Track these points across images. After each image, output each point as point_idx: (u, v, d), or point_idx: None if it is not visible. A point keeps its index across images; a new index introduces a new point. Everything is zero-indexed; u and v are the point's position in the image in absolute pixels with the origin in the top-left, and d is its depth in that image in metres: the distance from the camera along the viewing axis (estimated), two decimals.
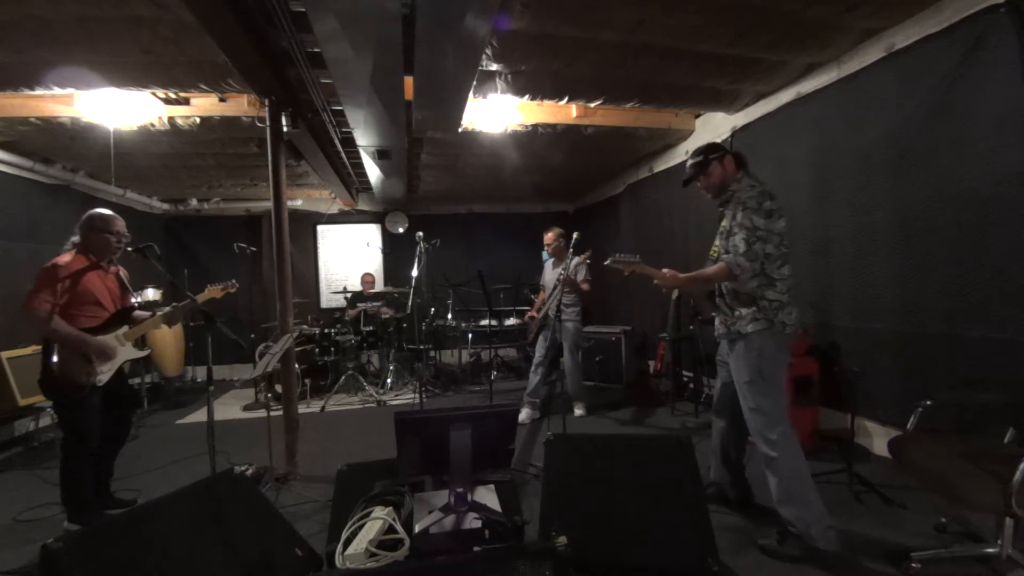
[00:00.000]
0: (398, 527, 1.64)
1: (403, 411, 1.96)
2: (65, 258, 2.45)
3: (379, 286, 6.92)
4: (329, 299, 7.15)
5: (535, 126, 4.32)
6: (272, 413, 3.13)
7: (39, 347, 2.43)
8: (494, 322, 4.65)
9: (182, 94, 3.60)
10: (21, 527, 2.63)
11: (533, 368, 4.30)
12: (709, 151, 2.29)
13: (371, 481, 1.88)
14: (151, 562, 1.49)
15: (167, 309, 2.73)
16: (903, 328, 2.90)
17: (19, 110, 3.60)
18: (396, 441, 1.81)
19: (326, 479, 2.88)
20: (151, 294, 5.33)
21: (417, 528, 1.67)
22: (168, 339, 5.70)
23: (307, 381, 5.26)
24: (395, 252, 7.46)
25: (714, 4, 2.63)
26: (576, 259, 4.02)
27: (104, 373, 2.49)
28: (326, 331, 5.41)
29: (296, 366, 3.90)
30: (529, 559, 1.41)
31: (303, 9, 2.30)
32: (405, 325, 6.03)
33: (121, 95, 3.48)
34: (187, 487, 1.80)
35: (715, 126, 4.51)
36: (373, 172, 5.19)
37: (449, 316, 6.02)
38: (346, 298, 6.10)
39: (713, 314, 2.34)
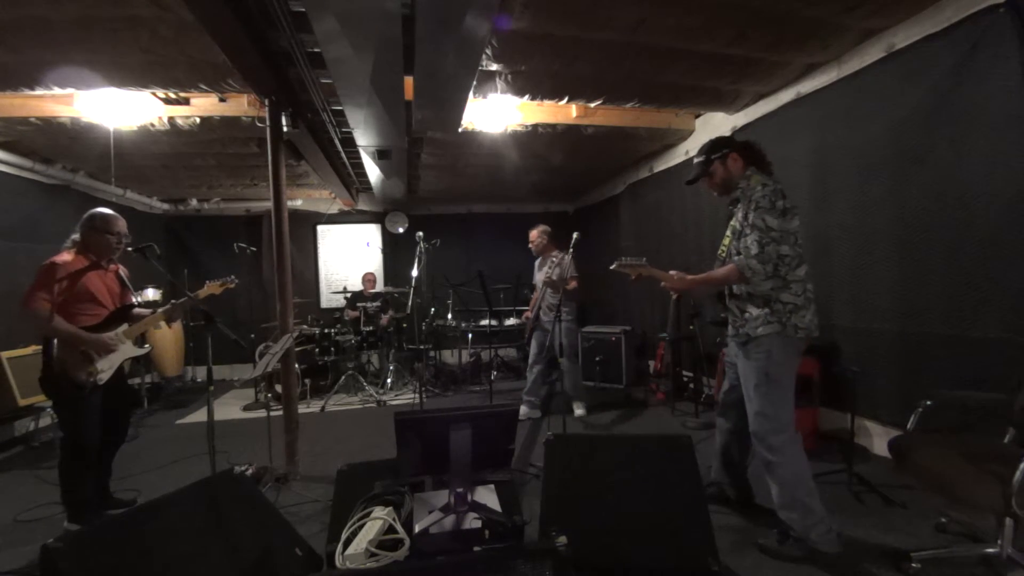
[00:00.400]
0: (398, 527, 1.64)
1: (403, 411, 1.96)
2: (64, 257, 2.45)
3: (379, 286, 6.92)
4: (329, 299, 7.15)
5: (535, 126, 4.32)
6: (272, 413, 3.13)
7: (39, 347, 2.42)
8: (494, 322, 4.65)
9: (182, 94, 3.60)
10: (21, 527, 2.63)
11: (528, 368, 4.32)
12: (711, 150, 2.22)
13: (371, 481, 1.89)
14: (151, 562, 1.49)
15: (167, 306, 2.73)
16: (903, 328, 2.90)
17: (19, 110, 3.60)
18: (396, 441, 1.81)
19: (326, 479, 2.89)
20: (151, 294, 5.33)
21: (417, 528, 1.67)
22: (168, 339, 5.70)
23: (307, 381, 5.26)
24: (395, 252, 7.46)
25: (714, 4, 2.62)
26: (556, 260, 4.04)
27: (104, 372, 2.49)
28: (326, 331, 5.41)
29: (296, 366, 3.90)
30: (529, 559, 1.41)
31: (303, 9, 2.30)
32: (405, 325, 6.03)
33: (121, 95, 3.48)
34: (187, 487, 1.80)
35: (715, 126, 4.51)
36: (373, 172, 5.19)
37: (449, 316, 6.01)
38: (346, 298, 6.10)
39: (723, 315, 2.30)
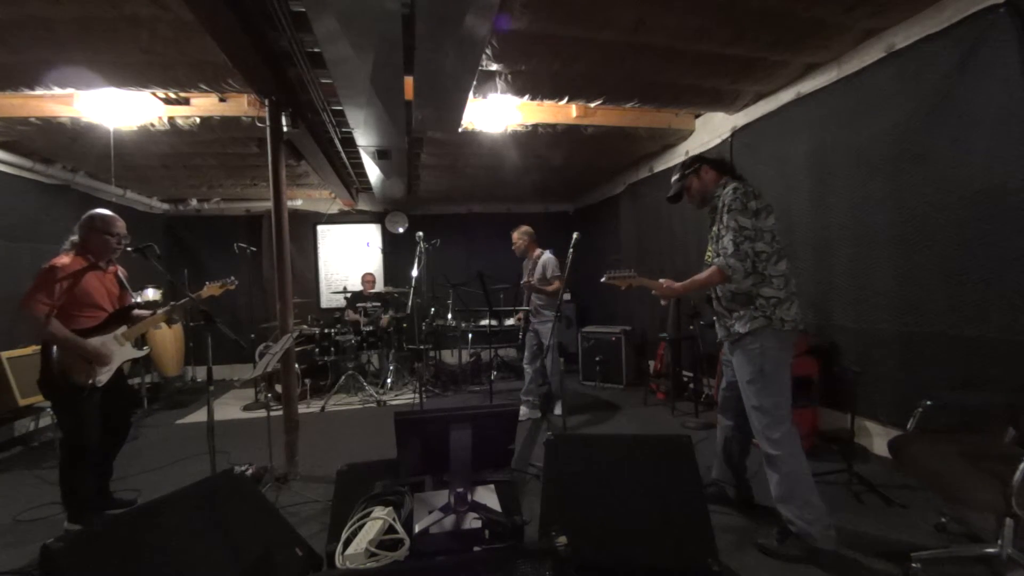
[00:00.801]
0: (398, 527, 1.64)
1: (403, 411, 1.96)
2: (63, 259, 2.44)
3: (379, 286, 6.92)
4: (329, 299, 7.15)
5: (535, 126, 4.32)
6: (272, 413, 3.13)
7: (39, 347, 2.42)
8: (494, 322, 4.65)
9: (182, 94, 3.60)
10: (21, 527, 2.63)
11: (525, 368, 4.35)
12: (684, 167, 2.40)
13: (371, 481, 1.88)
14: (151, 562, 1.49)
15: (166, 308, 2.73)
16: (903, 328, 2.90)
17: (19, 110, 3.60)
18: (396, 441, 1.81)
19: (326, 479, 2.89)
20: (151, 294, 5.34)
21: (417, 528, 1.67)
22: (168, 339, 5.70)
23: (307, 381, 5.26)
24: (395, 252, 7.46)
25: (714, 4, 2.62)
26: (547, 257, 4.04)
27: (103, 373, 2.49)
28: (326, 331, 5.41)
29: (296, 366, 3.90)
30: (529, 559, 1.41)
31: (303, 9, 2.30)
32: (405, 325, 6.03)
33: (121, 95, 3.47)
34: (187, 487, 1.80)
35: (715, 126, 4.51)
36: (373, 172, 5.19)
37: (449, 316, 6.02)
38: (346, 298, 6.10)
39: (713, 318, 2.35)
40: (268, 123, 3.22)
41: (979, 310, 2.52)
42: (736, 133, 4.22)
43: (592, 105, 3.88)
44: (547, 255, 4.25)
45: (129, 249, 2.64)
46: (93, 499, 2.53)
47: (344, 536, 1.61)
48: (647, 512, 1.96)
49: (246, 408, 5.08)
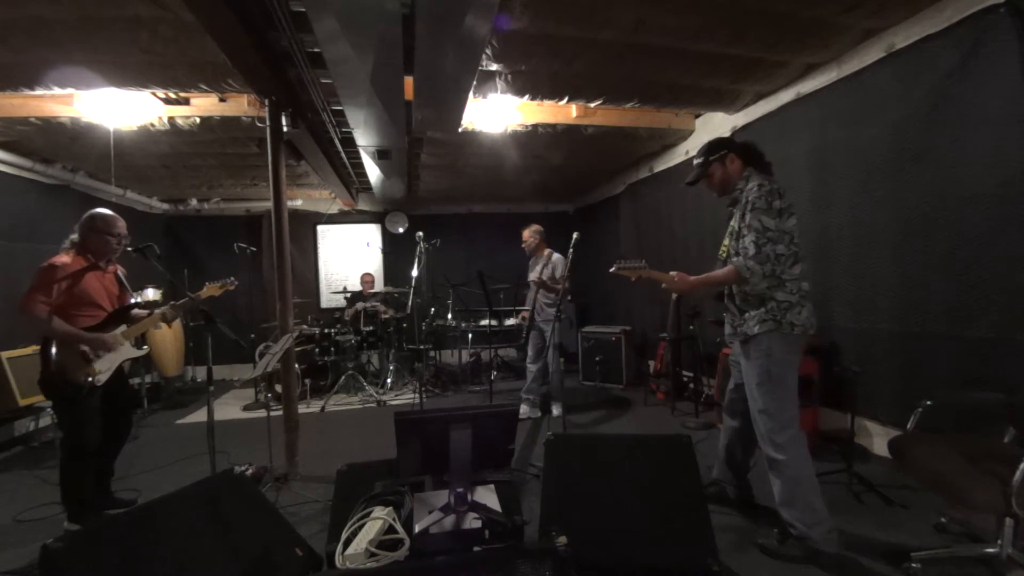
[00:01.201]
0: (398, 527, 1.64)
1: (403, 411, 1.96)
2: (63, 258, 2.44)
3: (379, 286, 6.92)
4: (329, 299, 7.15)
5: (535, 126, 4.32)
6: (272, 413, 3.13)
7: (38, 347, 2.42)
8: (494, 322, 4.65)
9: (182, 94, 3.60)
10: (21, 527, 2.63)
11: (528, 367, 4.34)
12: (710, 151, 2.25)
13: (371, 481, 1.89)
14: (151, 562, 1.49)
15: (165, 307, 2.73)
16: (903, 328, 2.90)
17: (19, 110, 3.60)
18: (396, 441, 1.81)
19: (326, 479, 2.88)
20: (151, 294, 5.33)
21: (417, 528, 1.67)
22: (168, 339, 5.70)
23: (307, 381, 5.26)
24: (395, 252, 7.46)
25: (714, 4, 2.62)
26: (556, 257, 4.04)
27: (103, 373, 2.49)
28: (326, 331, 5.41)
29: (296, 366, 3.90)
30: (529, 559, 1.41)
31: (303, 9, 2.30)
32: (405, 325, 6.03)
33: (121, 95, 3.48)
34: (187, 487, 1.80)
35: (715, 126, 4.51)
36: (373, 172, 5.19)
37: (449, 316, 6.01)
38: (346, 298, 6.10)
39: (724, 315, 2.32)
40: (268, 123, 3.22)
41: (979, 310, 2.52)
42: (736, 133, 4.22)
43: (592, 105, 3.88)
44: (558, 255, 4.24)
45: (129, 249, 2.64)
46: (93, 499, 2.53)
47: (344, 536, 1.62)
48: (647, 512, 1.96)
49: (246, 408, 5.08)
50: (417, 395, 4.49)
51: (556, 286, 4.05)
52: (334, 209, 7.26)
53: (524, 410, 4.24)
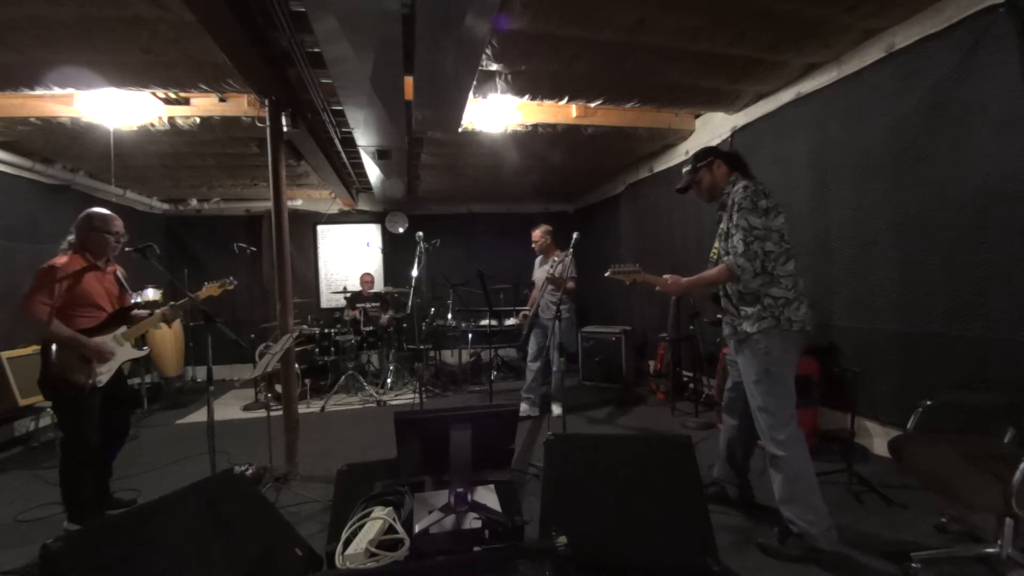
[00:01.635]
0: (398, 527, 1.64)
1: (403, 411, 1.96)
2: (62, 259, 2.44)
3: (379, 286, 6.92)
4: (329, 299, 7.15)
5: (535, 126, 4.32)
6: (272, 413, 3.13)
7: (39, 347, 2.42)
8: (494, 322, 4.65)
9: (182, 94, 3.60)
10: (21, 527, 2.63)
11: (528, 365, 4.34)
12: (697, 159, 2.35)
13: (371, 481, 1.88)
14: (151, 562, 1.49)
15: (165, 308, 2.73)
16: (903, 328, 2.90)
17: (19, 110, 3.60)
18: (396, 441, 1.81)
19: (326, 479, 2.89)
20: (151, 294, 5.33)
21: (417, 528, 1.67)
22: (168, 339, 5.70)
23: (307, 381, 5.26)
24: (395, 252, 7.46)
25: (714, 4, 2.62)
26: (558, 258, 4.03)
27: (103, 374, 2.49)
28: (326, 331, 5.41)
29: (296, 366, 3.90)
30: (529, 559, 1.41)
31: (303, 9, 2.30)
32: (405, 325, 6.03)
33: (121, 95, 3.48)
34: (187, 487, 1.80)
35: (715, 126, 4.51)
36: (373, 172, 5.19)
37: (449, 316, 6.01)
38: (346, 298, 6.10)
39: (719, 316, 2.34)
40: (268, 123, 3.22)
41: (979, 310, 2.52)
42: (736, 133, 4.22)
43: (592, 105, 3.87)
44: (569, 256, 4.22)
45: (129, 249, 2.63)
46: (93, 499, 2.52)
47: (344, 536, 1.61)
48: (647, 512, 1.96)
49: (246, 408, 5.08)
50: (417, 395, 4.49)
51: (568, 284, 4.07)
52: (334, 209, 7.26)
53: (524, 408, 4.25)
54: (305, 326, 5.69)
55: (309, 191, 6.95)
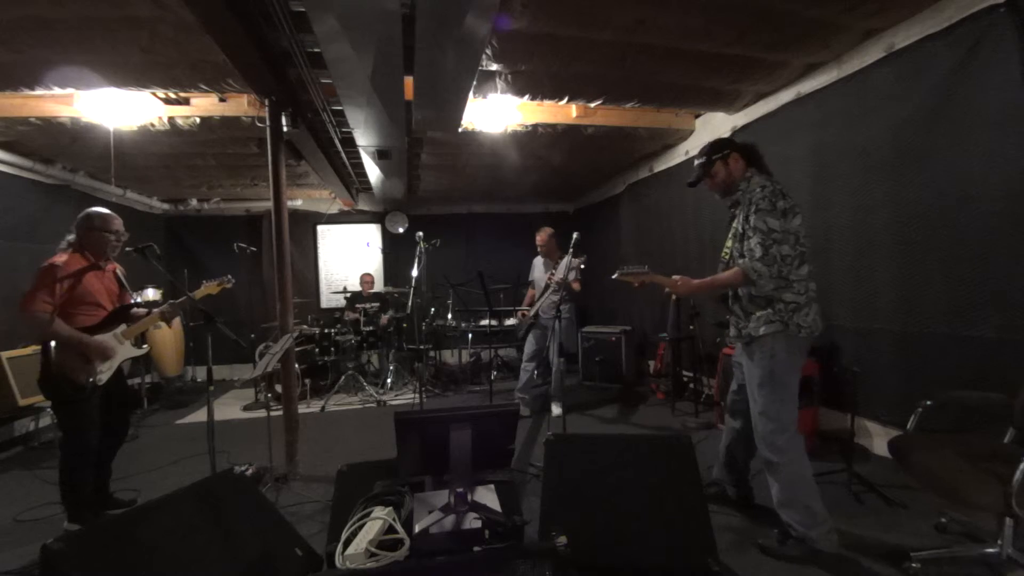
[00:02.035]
0: (398, 527, 1.64)
1: (403, 411, 1.96)
2: (62, 258, 2.44)
3: (379, 286, 6.92)
4: (329, 299, 7.15)
5: (535, 126, 4.32)
6: (272, 413, 3.13)
7: (39, 347, 2.42)
8: (494, 322, 4.65)
9: (182, 94, 3.60)
10: (21, 527, 2.63)
11: (523, 365, 4.33)
12: (712, 151, 2.22)
13: (371, 481, 1.88)
14: (151, 562, 1.49)
15: (164, 306, 2.73)
16: (903, 328, 2.90)
17: (19, 110, 3.60)
18: (396, 441, 1.81)
19: (326, 479, 2.89)
20: (151, 294, 5.33)
21: (417, 528, 1.67)
22: (168, 339, 5.70)
23: (307, 381, 5.26)
24: (395, 252, 7.46)
25: (714, 4, 2.62)
26: (569, 261, 4.03)
27: (104, 372, 2.49)
28: (326, 331, 5.41)
29: (296, 366, 3.90)
30: (529, 559, 1.41)
31: (303, 9, 2.30)
32: (405, 325, 6.04)
33: (121, 95, 3.47)
34: (187, 487, 1.80)
35: (715, 126, 4.51)
36: (373, 172, 5.19)
37: (449, 316, 6.01)
38: (346, 298, 6.10)
39: (727, 317, 2.30)
40: (268, 123, 3.23)
41: (979, 310, 2.52)
42: (736, 133, 4.22)
43: (592, 105, 3.87)
44: (572, 258, 4.23)
45: (129, 249, 2.63)
46: (93, 499, 2.53)
47: (344, 536, 1.61)
48: (647, 512, 1.96)
49: (246, 408, 5.08)
50: (417, 395, 4.49)
51: (575, 285, 4.07)
52: (334, 209, 7.26)
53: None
54: (305, 326, 5.69)
55: (309, 191, 6.95)
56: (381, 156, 4.38)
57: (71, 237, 2.54)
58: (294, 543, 1.90)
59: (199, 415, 4.92)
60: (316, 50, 2.72)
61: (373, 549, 1.57)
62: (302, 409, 4.00)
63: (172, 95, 3.59)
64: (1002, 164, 2.38)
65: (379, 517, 1.66)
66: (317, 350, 5.39)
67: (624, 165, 6.06)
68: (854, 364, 3.05)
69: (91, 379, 2.42)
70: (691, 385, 4.72)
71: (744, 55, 3.17)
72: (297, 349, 4.77)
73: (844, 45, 3.10)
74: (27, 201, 4.52)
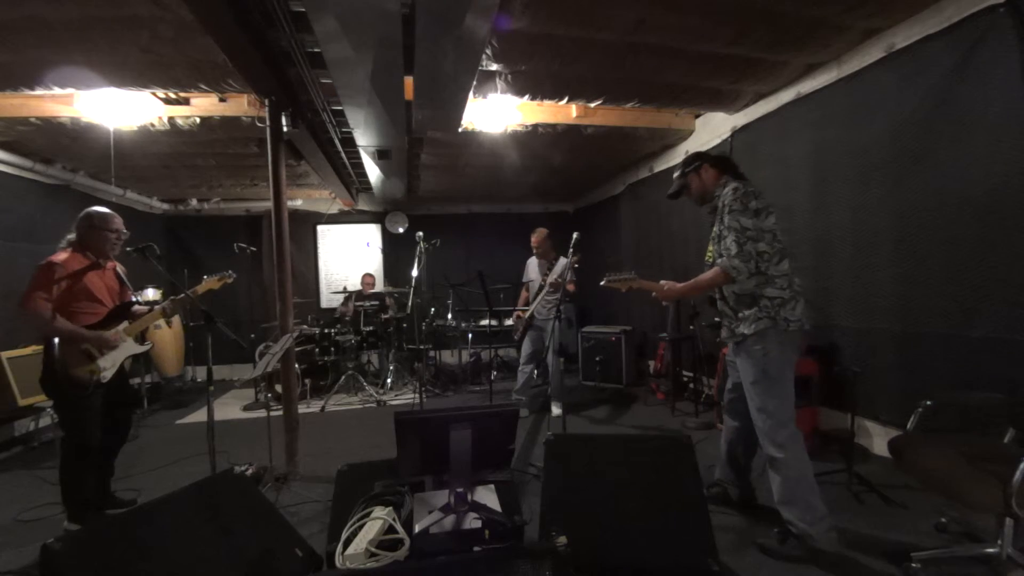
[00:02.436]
0: (398, 527, 1.64)
1: (403, 411, 1.96)
2: (62, 256, 2.44)
3: (379, 286, 6.92)
4: (329, 299, 7.15)
5: (535, 126, 4.32)
6: (272, 413, 3.13)
7: (39, 347, 2.42)
8: (494, 322, 4.65)
9: (182, 94, 3.60)
10: (21, 527, 2.63)
11: (521, 367, 4.33)
12: (685, 165, 2.40)
13: (371, 481, 1.88)
14: (151, 562, 1.49)
15: (165, 302, 2.72)
16: (903, 328, 2.90)
17: (19, 110, 3.60)
18: (396, 441, 1.81)
19: (326, 479, 2.88)
20: (151, 294, 5.34)
21: (417, 528, 1.67)
22: (168, 339, 5.70)
23: (307, 381, 5.26)
24: (395, 252, 7.46)
25: (714, 4, 2.63)
26: (565, 261, 4.04)
27: (107, 370, 2.49)
28: (326, 331, 5.41)
29: (296, 366, 3.90)
30: (529, 559, 1.41)
31: (303, 9, 2.30)
32: (405, 325, 6.04)
33: (121, 95, 3.47)
34: (187, 487, 1.80)
35: (715, 126, 4.51)
36: (373, 172, 5.19)
37: (449, 316, 6.01)
38: (346, 297, 6.10)
39: (716, 319, 2.34)
40: (268, 123, 3.22)
41: (979, 310, 2.52)
42: (736, 133, 4.22)
43: (592, 105, 3.88)
44: (565, 259, 4.24)
45: (129, 249, 2.63)
46: (93, 499, 2.52)
47: (344, 536, 1.61)
48: (647, 512, 1.96)
49: (246, 408, 5.08)
50: (417, 395, 4.49)
51: (569, 286, 4.08)
52: (334, 209, 7.26)
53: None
54: (305, 326, 5.69)
55: (309, 191, 6.95)
56: (381, 156, 4.38)
57: (71, 236, 2.55)
58: (294, 543, 1.90)
59: (199, 415, 4.92)
60: (316, 50, 2.72)
61: (373, 549, 1.57)
62: (302, 409, 4.00)
63: (172, 95, 3.59)
64: (1002, 164, 2.38)
65: (379, 517, 1.66)
66: (317, 350, 5.38)
67: (624, 165, 6.06)
68: (854, 364, 3.06)
69: (94, 377, 2.42)
70: (691, 385, 4.72)
71: (744, 55, 3.17)
72: (297, 349, 4.78)
73: (844, 45, 3.10)
74: (27, 201, 4.52)
